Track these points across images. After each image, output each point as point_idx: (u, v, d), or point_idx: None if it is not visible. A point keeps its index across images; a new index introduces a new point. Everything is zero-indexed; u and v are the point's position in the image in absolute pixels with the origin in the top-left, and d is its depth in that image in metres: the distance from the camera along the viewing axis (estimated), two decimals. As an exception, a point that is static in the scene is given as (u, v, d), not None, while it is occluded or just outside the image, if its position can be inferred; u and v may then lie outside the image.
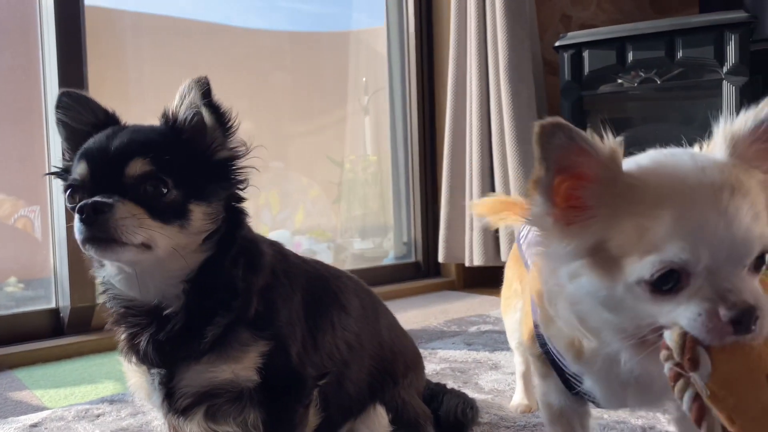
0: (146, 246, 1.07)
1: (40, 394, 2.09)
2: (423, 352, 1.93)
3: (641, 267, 0.80)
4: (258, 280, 1.19)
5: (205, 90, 1.13)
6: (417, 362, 1.58)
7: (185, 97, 1.15)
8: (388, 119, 4.26)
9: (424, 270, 4.16)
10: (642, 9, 4.35)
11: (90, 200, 1.03)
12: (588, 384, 1.06)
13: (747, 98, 3.04)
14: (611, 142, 0.87)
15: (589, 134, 0.87)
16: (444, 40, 3.95)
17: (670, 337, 0.81)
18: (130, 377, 1.24)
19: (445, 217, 3.81)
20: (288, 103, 4.10)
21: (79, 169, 1.10)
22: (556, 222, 0.89)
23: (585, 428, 1.21)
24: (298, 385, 1.21)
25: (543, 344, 1.13)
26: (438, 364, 2.25)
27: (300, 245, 4.04)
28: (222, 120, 1.15)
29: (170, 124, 1.16)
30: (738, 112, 2.77)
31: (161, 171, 1.08)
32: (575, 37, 3.38)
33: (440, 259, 3.87)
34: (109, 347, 1.23)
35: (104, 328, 1.24)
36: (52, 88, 2.73)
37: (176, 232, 1.09)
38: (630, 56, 3.23)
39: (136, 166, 1.07)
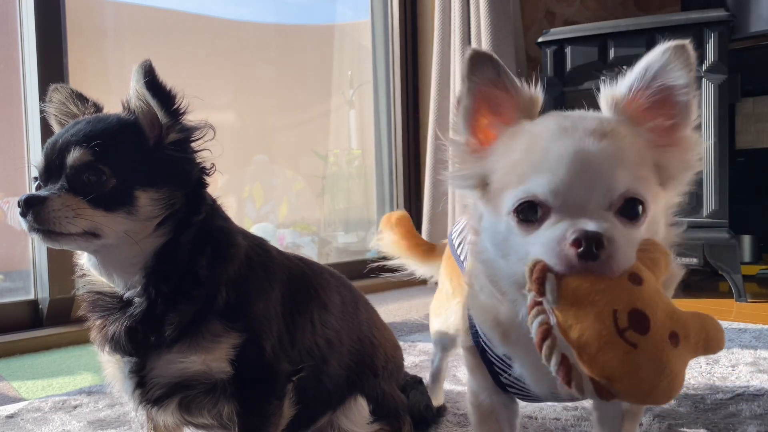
0: (92, 234, 1.09)
1: (18, 385, 2.08)
2: (403, 344, 1.94)
3: (509, 198, 0.88)
4: (226, 270, 1.19)
5: (147, 74, 1.11)
6: (396, 355, 1.59)
7: (132, 83, 1.14)
8: (372, 113, 4.26)
9: (407, 264, 4.17)
10: (625, 6, 4.39)
11: (24, 195, 1.06)
12: (517, 369, 1.04)
13: (725, 96, 3.08)
14: (534, 90, 0.98)
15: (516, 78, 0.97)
16: (428, 34, 3.95)
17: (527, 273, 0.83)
18: (106, 367, 1.25)
19: (428, 211, 3.82)
20: (272, 96, 4.08)
21: (37, 162, 1.14)
22: (466, 151, 0.99)
23: (513, 428, 1.20)
24: (272, 379, 1.22)
25: (474, 334, 1.13)
26: (417, 357, 2.26)
27: (284, 238, 4.03)
28: (167, 103, 1.13)
29: (125, 112, 1.17)
30: (717, 110, 2.80)
31: (100, 160, 1.09)
32: (557, 33, 3.41)
33: (423, 253, 3.88)
34: (88, 339, 1.23)
35: (80, 317, 1.24)
36: (31, 79, 2.71)
37: (123, 219, 1.10)
38: (612, 53, 3.26)
39: (75, 157, 1.09)
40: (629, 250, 0.82)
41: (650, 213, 0.87)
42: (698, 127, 0.94)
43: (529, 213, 0.87)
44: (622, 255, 0.80)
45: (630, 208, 0.84)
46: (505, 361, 1.07)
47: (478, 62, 0.98)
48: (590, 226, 0.80)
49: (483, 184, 0.96)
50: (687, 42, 0.91)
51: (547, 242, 0.83)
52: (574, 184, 0.83)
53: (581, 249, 0.79)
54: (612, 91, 0.95)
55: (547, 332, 0.81)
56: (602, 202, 0.83)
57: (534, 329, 0.82)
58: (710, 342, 0.84)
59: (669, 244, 0.98)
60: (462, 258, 1.48)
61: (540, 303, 0.82)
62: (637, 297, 0.80)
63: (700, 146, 0.94)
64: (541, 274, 0.81)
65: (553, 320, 0.81)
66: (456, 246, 1.51)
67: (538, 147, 0.89)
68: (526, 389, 1.10)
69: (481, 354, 1.11)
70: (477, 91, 0.99)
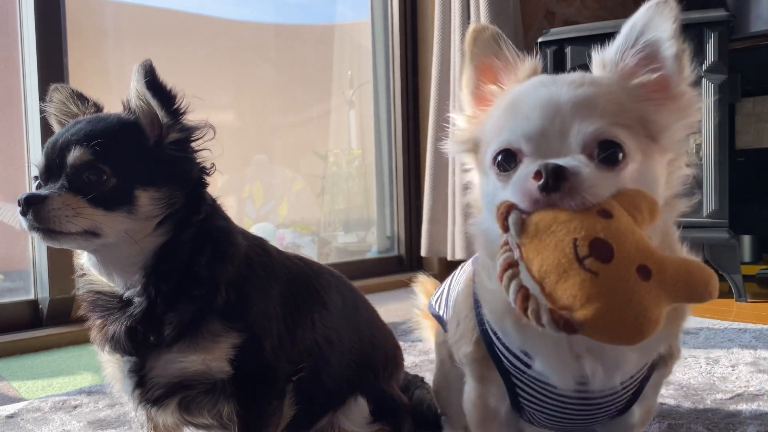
0: (92, 233, 1.09)
1: (18, 385, 2.08)
2: (403, 344, 1.94)
3: (490, 151, 0.92)
4: (226, 269, 1.19)
5: (148, 73, 1.11)
6: (396, 355, 1.59)
7: (133, 83, 1.14)
8: (372, 113, 4.26)
9: (406, 264, 4.18)
10: (625, 6, 4.38)
11: (24, 194, 1.07)
12: (537, 364, 0.98)
13: (725, 96, 3.08)
14: (533, 60, 1.01)
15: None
16: (428, 35, 3.95)
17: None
18: (106, 367, 1.25)
19: (428, 211, 3.82)
20: (273, 96, 4.08)
21: (38, 161, 1.14)
22: (468, 119, 1.04)
23: (513, 429, 1.17)
24: (272, 379, 1.22)
25: (484, 332, 1.07)
26: (417, 357, 2.26)
27: (284, 238, 4.04)
28: (168, 102, 1.14)
29: (125, 111, 1.17)
30: (717, 110, 2.79)
31: (100, 159, 1.09)
32: (558, 33, 3.40)
33: (423, 253, 3.89)
34: (88, 339, 1.23)
35: (80, 317, 1.24)
36: (31, 79, 2.71)
37: (123, 218, 1.10)
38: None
39: (75, 156, 1.09)
40: (598, 187, 0.80)
41: (635, 162, 0.86)
42: (696, 83, 0.94)
43: (508, 163, 0.88)
44: (587, 188, 0.79)
45: (608, 154, 0.84)
46: (522, 362, 1.02)
47: (479, 35, 1.02)
48: (554, 160, 0.81)
49: (476, 148, 1.00)
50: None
51: (515, 182, 0.84)
52: (547, 129, 0.85)
53: (542, 181, 0.79)
54: (602, 54, 0.97)
55: (508, 265, 0.80)
56: (574, 145, 0.84)
57: (499, 264, 0.81)
58: (694, 285, 0.77)
59: (673, 215, 0.97)
60: (441, 313, 1.46)
61: (510, 265, 0.81)
62: (601, 228, 0.76)
63: (697, 100, 0.94)
64: (506, 210, 0.81)
65: (517, 255, 0.80)
66: (434, 304, 1.50)
67: (517, 100, 0.92)
68: (549, 407, 1.05)
69: (497, 364, 1.06)
70: (479, 62, 1.03)
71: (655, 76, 0.93)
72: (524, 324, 0.90)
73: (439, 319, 1.47)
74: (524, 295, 0.77)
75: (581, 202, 0.79)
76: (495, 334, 1.04)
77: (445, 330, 1.39)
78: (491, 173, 0.92)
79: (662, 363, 1.06)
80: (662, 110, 0.92)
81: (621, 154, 0.84)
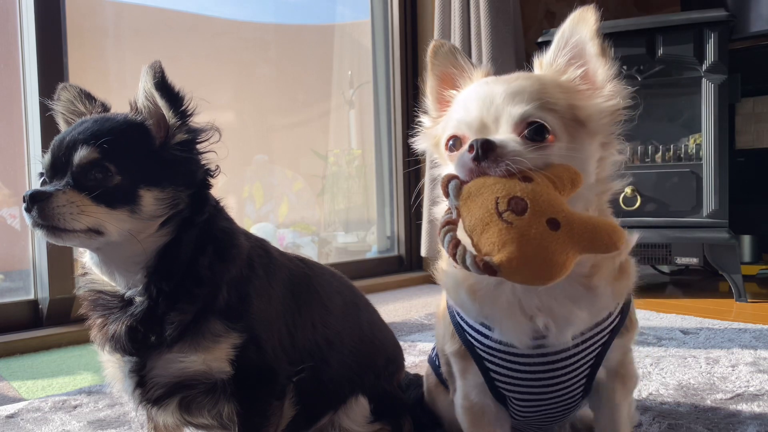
0: (95, 231, 1.09)
1: (18, 385, 2.08)
2: (403, 344, 1.94)
3: (443, 140, 1.09)
4: (228, 270, 1.19)
5: (157, 75, 1.12)
6: (397, 355, 1.59)
7: (141, 84, 1.15)
8: (372, 113, 4.26)
9: (406, 264, 4.18)
10: (625, 6, 4.39)
11: (29, 190, 1.07)
12: (496, 332, 1.08)
13: (725, 96, 3.08)
14: (484, 66, 1.17)
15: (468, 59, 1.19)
16: (428, 34, 3.95)
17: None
18: (106, 367, 1.25)
19: (428, 211, 3.82)
20: (272, 96, 4.08)
21: (44, 159, 1.14)
22: (433, 118, 1.19)
23: (505, 429, 1.22)
24: (272, 379, 1.22)
25: (457, 324, 1.16)
26: (417, 356, 2.26)
27: (284, 238, 4.04)
28: (176, 104, 1.14)
29: (132, 112, 1.18)
30: (717, 110, 2.83)
31: (106, 158, 1.09)
32: (558, 33, 3.40)
33: (423, 253, 3.89)
34: (88, 339, 1.23)
35: (80, 317, 1.24)
36: (31, 79, 2.71)
37: (126, 217, 1.10)
38: (611, 53, 3.25)
39: (82, 154, 1.10)
40: (522, 156, 0.94)
41: (561, 141, 1.00)
42: (619, 75, 1.08)
43: (456, 146, 1.05)
44: (511, 157, 0.93)
45: (533, 130, 0.98)
46: (484, 335, 1.11)
47: (438, 49, 1.19)
48: (484, 137, 0.96)
49: (437, 143, 1.15)
50: (590, 7, 1.08)
51: (457, 158, 0.99)
52: (484, 116, 1.01)
53: (474, 152, 0.94)
54: (541, 57, 1.13)
55: (447, 223, 0.95)
56: (506, 126, 0.99)
57: (446, 243, 0.94)
58: (598, 237, 0.90)
59: (607, 194, 1.10)
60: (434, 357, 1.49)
61: (449, 208, 0.96)
62: (520, 189, 0.91)
63: (618, 89, 1.06)
64: (447, 180, 0.96)
65: (455, 215, 0.94)
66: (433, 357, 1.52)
67: (464, 97, 1.09)
68: (521, 384, 1.11)
69: (471, 351, 1.15)
70: (439, 72, 1.20)
71: (580, 71, 1.08)
72: (476, 291, 1.06)
73: (435, 368, 1.49)
74: (454, 243, 0.91)
75: (505, 169, 0.93)
76: (462, 319, 1.15)
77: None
78: (446, 157, 1.09)
79: (624, 331, 1.15)
80: (588, 99, 1.06)
81: (547, 134, 0.98)
